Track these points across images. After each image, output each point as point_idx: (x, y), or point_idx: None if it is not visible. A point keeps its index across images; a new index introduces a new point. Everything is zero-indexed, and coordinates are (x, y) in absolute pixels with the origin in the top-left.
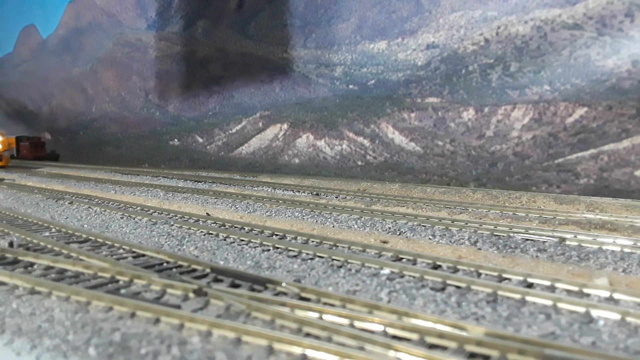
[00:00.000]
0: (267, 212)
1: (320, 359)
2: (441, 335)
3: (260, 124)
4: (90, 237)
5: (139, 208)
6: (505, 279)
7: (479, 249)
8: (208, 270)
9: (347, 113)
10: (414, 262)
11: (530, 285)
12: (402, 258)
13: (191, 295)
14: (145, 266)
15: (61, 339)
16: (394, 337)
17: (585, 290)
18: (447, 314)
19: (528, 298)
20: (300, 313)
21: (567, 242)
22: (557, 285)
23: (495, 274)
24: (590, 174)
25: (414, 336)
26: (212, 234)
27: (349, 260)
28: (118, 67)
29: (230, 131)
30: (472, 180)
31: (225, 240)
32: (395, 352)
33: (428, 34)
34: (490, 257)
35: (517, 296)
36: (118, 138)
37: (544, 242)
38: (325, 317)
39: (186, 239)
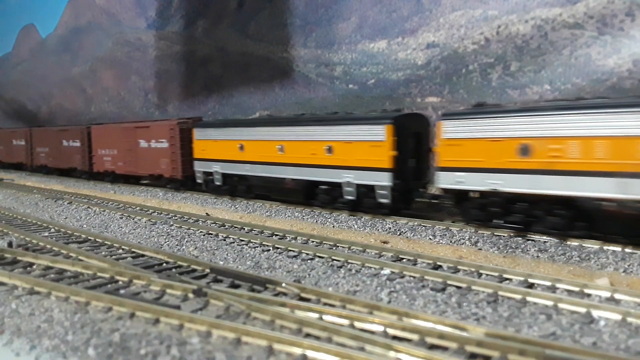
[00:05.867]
0: (267, 212)
1: (320, 359)
2: (442, 335)
3: None
4: (90, 237)
5: (138, 208)
6: (506, 279)
7: (480, 249)
8: (208, 270)
9: None
10: (415, 263)
11: (531, 286)
12: (403, 258)
13: (191, 295)
14: (144, 266)
15: (60, 339)
16: (395, 337)
17: (586, 291)
18: (447, 315)
19: (529, 298)
20: (300, 313)
21: (568, 242)
22: (558, 285)
23: (496, 274)
24: None
25: (415, 337)
26: (211, 234)
27: (349, 261)
28: (117, 66)
29: None
30: None
31: (225, 240)
32: (395, 353)
33: (428, 33)
34: (491, 258)
35: (518, 296)
36: None
37: (545, 242)
38: (326, 317)
39: (186, 239)
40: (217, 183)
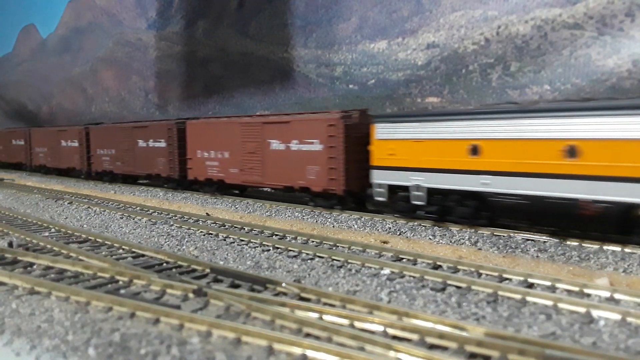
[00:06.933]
0: (267, 212)
1: (321, 359)
2: (441, 335)
3: None
4: (90, 237)
5: (138, 208)
6: (506, 279)
7: (480, 249)
8: (208, 270)
9: None
10: (414, 262)
11: (531, 286)
12: (403, 258)
13: (191, 295)
14: (144, 266)
15: (61, 339)
16: (395, 337)
17: (586, 291)
18: (447, 314)
19: (529, 298)
20: (300, 313)
21: (568, 242)
22: (558, 285)
23: (496, 274)
24: None
25: (415, 336)
26: (211, 234)
27: (349, 261)
28: (118, 67)
29: None
30: None
31: (225, 240)
32: (395, 353)
33: (428, 33)
34: (491, 257)
35: (518, 296)
36: None
37: (545, 242)
38: (326, 317)
39: (186, 239)
40: (417, 202)
